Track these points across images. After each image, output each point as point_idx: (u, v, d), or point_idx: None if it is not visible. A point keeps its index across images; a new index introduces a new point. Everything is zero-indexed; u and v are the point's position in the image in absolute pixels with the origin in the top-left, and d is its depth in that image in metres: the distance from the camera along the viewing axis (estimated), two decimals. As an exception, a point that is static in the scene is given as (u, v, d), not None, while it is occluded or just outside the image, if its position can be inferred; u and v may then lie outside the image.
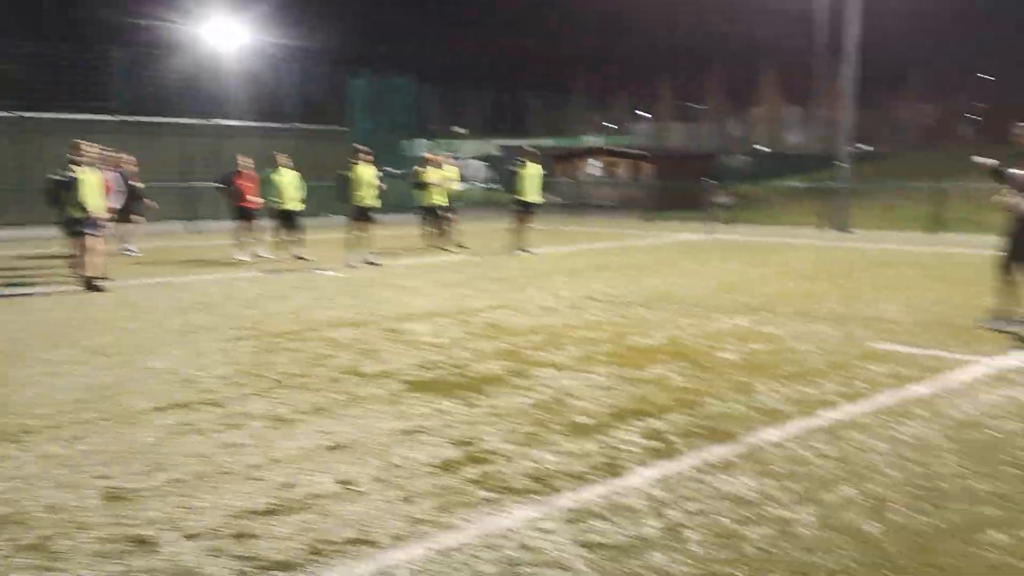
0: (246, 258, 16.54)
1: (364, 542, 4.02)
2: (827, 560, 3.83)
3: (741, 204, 29.83)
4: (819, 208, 25.90)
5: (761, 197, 33.82)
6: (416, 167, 19.87)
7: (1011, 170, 9.11)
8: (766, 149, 56.53)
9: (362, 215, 15.68)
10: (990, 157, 9.58)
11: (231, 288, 12.74)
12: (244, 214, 16.82)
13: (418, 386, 6.87)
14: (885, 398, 6.48)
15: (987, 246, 19.08)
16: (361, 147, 16.13)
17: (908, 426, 5.78)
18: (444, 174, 18.98)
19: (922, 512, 4.35)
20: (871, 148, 42.66)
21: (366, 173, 15.63)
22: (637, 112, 75.59)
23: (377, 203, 15.93)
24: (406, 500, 4.52)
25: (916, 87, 72.35)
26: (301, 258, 16.38)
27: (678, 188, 30.42)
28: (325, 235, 20.47)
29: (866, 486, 4.71)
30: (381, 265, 15.57)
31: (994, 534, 4.08)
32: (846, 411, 6.15)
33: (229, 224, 17.92)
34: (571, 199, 34.03)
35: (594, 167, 39.09)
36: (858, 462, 5.09)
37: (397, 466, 5.03)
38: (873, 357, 7.83)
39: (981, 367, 7.42)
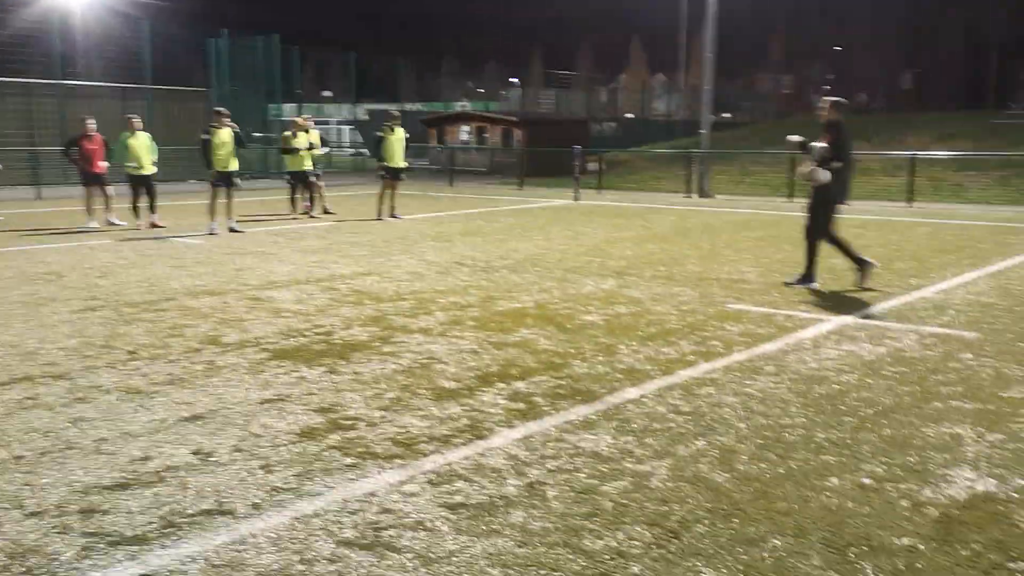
0: (97, 225, 15.76)
1: (221, 512, 3.93)
2: (679, 510, 3.99)
3: (609, 170, 30.37)
4: (684, 174, 26.65)
5: (629, 163, 34.53)
6: (285, 132, 19.28)
7: (813, 143, 9.62)
8: (632, 116, 57.67)
9: (224, 180, 15.14)
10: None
11: (81, 257, 12.14)
12: (92, 179, 15.99)
13: (281, 354, 6.74)
14: (738, 356, 6.76)
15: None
16: (221, 109, 15.56)
17: (757, 381, 6.06)
18: (311, 139, 18.55)
19: (767, 461, 4.58)
20: (730, 116, 44.13)
21: (227, 136, 15.07)
22: (509, 80, 75.69)
23: (236, 167, 15.37)
24: (266, 469, 4.44)
25: (774, 59, 75.13)
26: (156, 225, 15.74)
27: (548, 154, 30.71)
28: (184, 201, 19.73)
29: (717, 439, 4.92)
30: (244, 232, 15.13)
31: (831, 480, 4.34)
32: (701, 369, 6.39)
33: (78, 190, 17.02)
34: (442, 165, 33.88)
35: (465, 133, 38.98)
36: (710, 416, 5.31)
37: (257, 435, 4.94)
38: (728, 317, 8.16)
39: (826, 325, 7.84)
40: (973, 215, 18.85)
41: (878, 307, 8.61)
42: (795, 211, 20.23)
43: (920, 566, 3.46)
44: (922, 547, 3.62)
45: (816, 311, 8.43)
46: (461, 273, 10.74)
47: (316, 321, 7.94)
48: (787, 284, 9.86)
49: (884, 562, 3.49)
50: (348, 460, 4.57)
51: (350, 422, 5.17)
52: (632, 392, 5.81)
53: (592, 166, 28.19)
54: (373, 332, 7.51)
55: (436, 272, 10.83)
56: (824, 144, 9.51)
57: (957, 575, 3.38)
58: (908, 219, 17.93)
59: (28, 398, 5.59)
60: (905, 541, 3.67)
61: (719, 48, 25.72)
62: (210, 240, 14.13)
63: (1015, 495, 4.13)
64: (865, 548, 3.61)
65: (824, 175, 9.44)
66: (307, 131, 18.46)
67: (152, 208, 15.95)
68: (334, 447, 4.76)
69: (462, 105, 54.18)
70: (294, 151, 18.12)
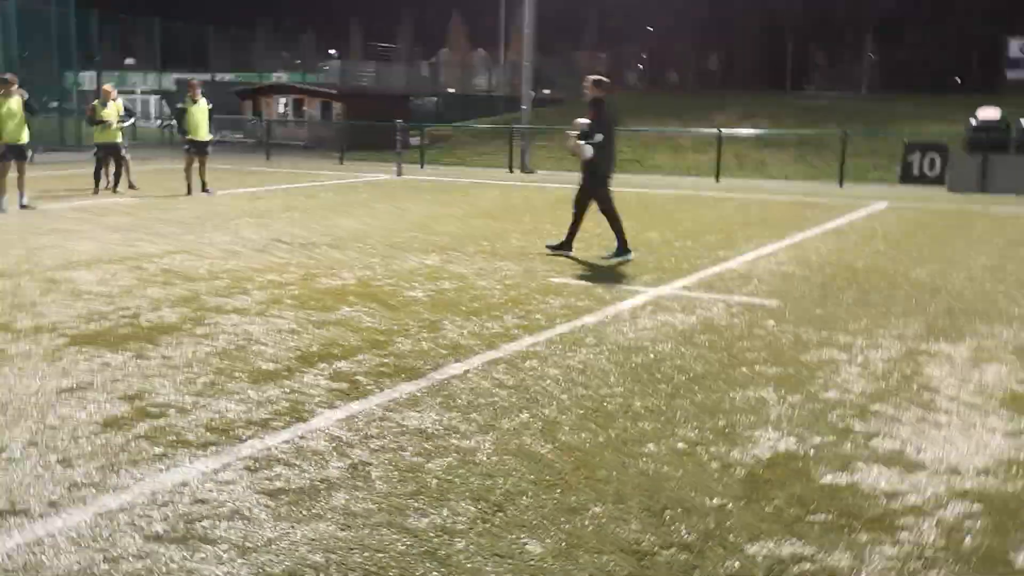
0: None
1: (14, 513, 3.62)
2: (504, 483, 4.01)
3: (431, 145, 30.24)
4: (506, 149, 26.89)
5: (451, 139, 34.50)
6: (95, 102, 17.88)
7: (577, 119, 10.18)
8: (454, 91, 57.66)
9: (15, 152, 13.93)
10: (653, 103, 10.40)
11: None
12: None
13: (82, 340, 6.29)
14: (560, 328, 6.89)
15: (652, 185, 20.93)
16: (7, 76, 14.29)
17: (579, 353, 6.20)
18: (118, 109, 17.39)
19: (588, 431, 4.69)
20: (549, 92, 44.91)
21: (15, 105, 13.85)
22: (328, 51, 73.82)
23: (27, 138, 14.16)
24: (64, 463, 4.13)
25: (592, 37, 77.00)
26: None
27: (369, 128, 30.20)
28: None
29: (540, 411, 4.99)
30: (36, 208, 14.04)
31: (648, 446, 4.49)
32: (525, 342, 6.47)
33: None
34: (258, 138, 32.68)
35: (282, 105, 37.72)
36: (533, 389, 5.38)
37: (55, 428, 4.58)
38: (547, 291, 8.30)
39: (642, 296, 8.11)
40: (774, 190, 20.05)
41: (690, 279, 9.00)
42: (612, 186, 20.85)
43: (729, 524, 3.63)
44: (731, 506, 3.80)
45: (633, 284, 8.71)
46: (279, 250, 10.39)
47: (121, 303, 7.47)
48: (605, 259, 10.15)
49: (697, 522, 3.64)
50: (157, 450, 4.32)
51: (159, 409, 4.89)
52: (457, 368, 5.80)
53: (413, 141, 27.98)
54: (184, 313, 7.14)
55: (252, 250, 10.43)
56: (587, 120, 10.07)
57: (762, 531, 3.57)
58: (717, 194, 18.85)
59: None
60: (716, 501, 3.85)
61: (538, 25, 26.05)
62: (1, 218, 13.03)
63: (812, 452, 4.42)
64: (680, 510, 3.75)
65: (587, 150, 10.00)
66: (115, 100, 17.31)
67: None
68: (142, 437, 4.49)
69: (278, 76, 52.38)
70: (103, 123, 16.93)
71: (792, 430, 4.72)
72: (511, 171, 25.07)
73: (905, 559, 3.35)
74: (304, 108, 36.88)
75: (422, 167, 25.77)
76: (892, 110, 30.42)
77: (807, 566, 3.29)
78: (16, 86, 13.95)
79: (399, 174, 22.95)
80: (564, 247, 10.39)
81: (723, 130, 24.60)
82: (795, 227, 13.14)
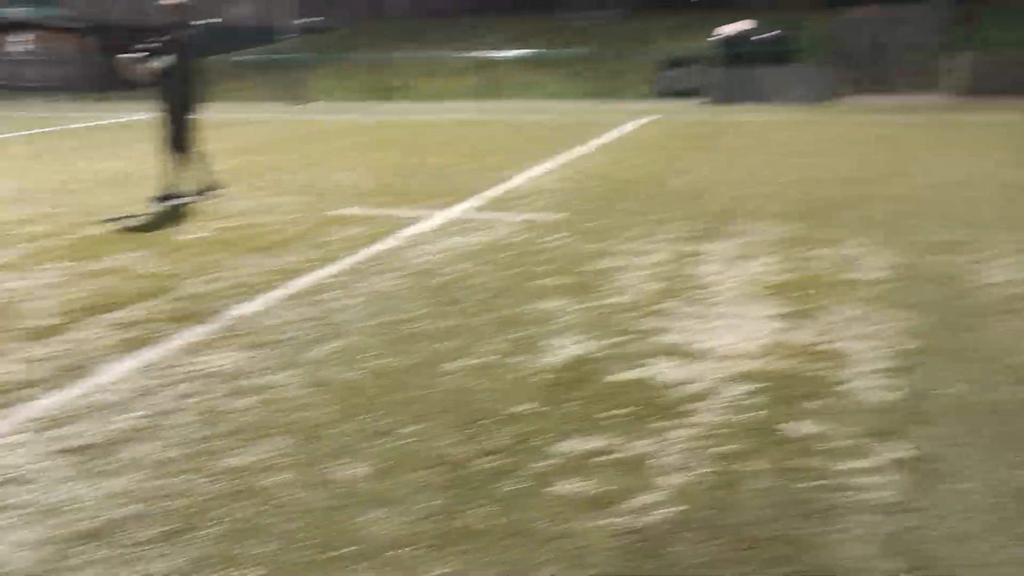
0: None
1: None
2: (315, 414, 4.02)
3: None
4: (274, 82, 25.86)
5: (217, 71, 32.69)
6: None
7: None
8: (217, 21, 54.39)
9: None
10: (421, 28, 10.31)
11: None
12: None
13: None
14: (353, 258, 6.86)
15: (424, 112, 20.90)
16: None
17: (375, 280, 6.21)
18: None
19: (394, 355, 4.75)
20: (321, 19, 43.32)
21: None
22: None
23: None
24: None
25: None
26: None
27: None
28: None
29: (343, 340, 4.99)
30: None
31: (452, 364, 4.62)
32: (318, 275, 6.40)
33: None
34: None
35: (22, 43, 34.21)
36: (334, 320, 5.36)
37: None
38: (337, 222, 8.21)
39: (432, 220, 8.19)
40: (547, 110, 20.58)
41: (476, 199, 9.16)
42: (384, 115, 20.67)
43: (535, 428, 3.83)
44: (535, 411, 4.01)
45: (421, 208, 8.76)
46: (37, 200, 9.59)
47: None
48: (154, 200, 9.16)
49: (505, 430, 3.82)
50: (-71, 422, 3.98)
51: (-76, 379, 4.49)
52: (252, 306, 5.67)
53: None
54: (-64, 275, 6.51)
55: (8, 203, 9.57)
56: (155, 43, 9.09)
57: (567, 430, 3.80)
58: (493, 117, 19.11)
59: None
60: (520, 408, 4.04)
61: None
62: None
63: (604, 353, 4.71)
64: (488, 421, 3.92)
65: (155, 67, 9.06)
66: None
67: None
68: (-92, 410, 4.11)
69: (16, 11, 47.32)
70: None
71: (584, 335, 5.00)
72: (286, 104, 24.21)
73: (697, 439, 3.69)
74: (50, 45, 33.67)
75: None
76: (644, 29, 31.79)
77: (613, 455, 3.56)
78: None
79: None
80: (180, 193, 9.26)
81: (489, 53, 24.87)
82: (569, 144, 13.60)
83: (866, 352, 4.60)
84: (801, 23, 23.63)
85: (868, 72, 21.63)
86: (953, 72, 20.63)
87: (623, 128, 15.90)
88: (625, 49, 26.59)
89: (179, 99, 9.28)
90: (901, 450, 3.52)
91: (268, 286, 6.11)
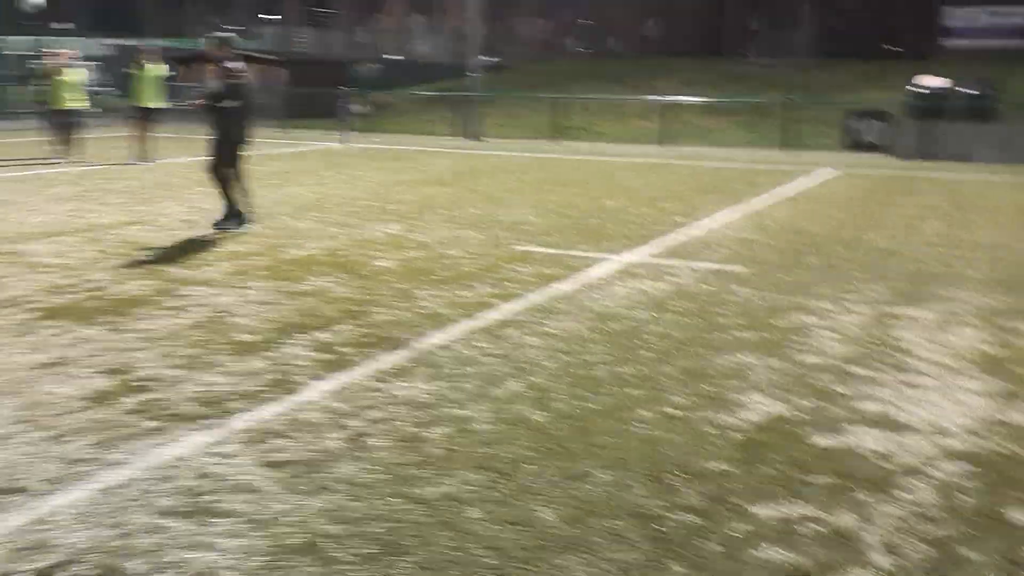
0: None
1: (12, 491, 3.54)
2: (505, 451, 4.04)
3: (375, 112, 29.86)
4: (451, 117, 26.69)
5: (394, 106, 34.11)
6: (46, 64, 17.03)
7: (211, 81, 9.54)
8: (396, 57, 56.84)
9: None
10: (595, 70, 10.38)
11: None
12: None
13: (51, 313, 6.12)
14: (534, 296, 6.92)
15: (600, 152, 21.02)
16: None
17: (557, 321, 6.23)
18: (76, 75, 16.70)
19: (580, 398, 4.73)
20: (495, 59, 44.58)
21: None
22: (261, 15, 72.04)
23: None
24: (57, 440, 4.04)
25: (531, 3, 76.47)
26: None
27: (312, 95, 29.69)
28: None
29: (529, 379, 5.02)
30: (-21, 178, 13.56)
31: (641, 411, 4.55)
32: (502, 310, 6.48)
33: None
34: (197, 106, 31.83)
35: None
36: (519, 358, 5.40)
37: (41, 404, 4.47)
38: (518, 259, 8.31)
39: (611, 263, 8.18)
40: (721, 156, 20.28)
41: (654, 245, 9.08)
42: (560, 153, 20.89)
43: (732, 487, 3.71)
44: (731, 470, 3.88)
45: (599, 251, 8.77)
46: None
47: (84, 276, 7.28)
48: (216, 226, 9.41)
49: (700, 486, 3.71)
50: (151, 424, 4.25)
51: (145, 383, 4.81)
52: (438, 337, 5.80)
53: (357, 108, 27.57)
54: (151, 285, 6.99)
55: (210, 220, 10.22)
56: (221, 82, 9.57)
57: (765, 493, 3.66)
58: (664, 161, 19.00)
59: None
60: (715, 465, 3.93)
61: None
62: (-62, 188, 12.55)
63: (801, 415, 4.53)
64: (682, 475, 3.82)
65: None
66: (68, 66, 16.61)
67: None
68: (132, 411, 4.41)
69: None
70: (57, 87, 16.15)
71: (778, 394, 4.82)
72: (459, 139, 24.91)
73: (909, 517, 3.47)
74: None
75: (367, 134, 25.45)
76: (830, 77, 30.88)
77: (814, 526, 3.39)
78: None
79: (344, 141, 22.66)
80: (231, 220, 9.50)
81: (668, 97, 24.79)
82: (749, 193, 13.33)
83: (1095, 439, 4.23)
84: (1005, 81, 22.36)
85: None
86: None
87: (808, 179, 15.45)
88: (810, 97, 25.94)
89: (234, 131, 9.53)
90: None
91: (453, 319, 6.23)
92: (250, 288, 6.97)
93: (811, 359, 5.43)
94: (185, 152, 18.92)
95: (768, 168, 17.55)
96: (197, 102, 9.83)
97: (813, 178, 15.75)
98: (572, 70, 35.14)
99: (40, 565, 3.03)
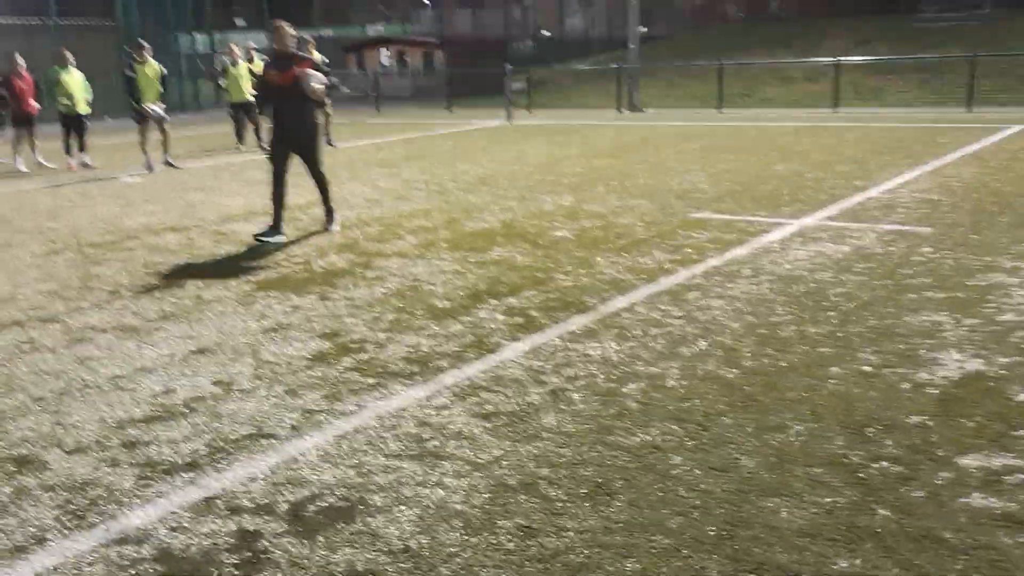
0: (25, 168, 15.13)
1: (263, 436, 4.01)
2: (700, 405, 4.21)
3: (535, 89, 30.21)
4: (610, 89, 26.67)
5: (553, 82, 34.38)
6: (225, 59, 18.23)
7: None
8: (549, 34, 57.07)
9: (150, 114, 14.48)
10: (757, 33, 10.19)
11: (22, 200, 11.73)
12: (23, 119, 15.22)
13: (266, 285, 6.73)
14: (713, 261, 7.00)
15: (766, 118, 20.54)
16: (144, 43, 14.86)
17: (738, 284, 6.31)
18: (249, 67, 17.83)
19: (767, 356, 4.83)
20: (646, 29, 44.00)
21: (151, 71, 14.38)
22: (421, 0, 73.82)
23: (160, 103, 14.56)
24: (292, 393, 4.52)
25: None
26: (87, 165, 15.19)
27: (472, 75, 30.39)
28: (107, 139, 19.05)
29: (716, 338, 5.15)
30: (181, 168, 14.73)
31: (832, 368, 4.61)
32: (681, 275, 6.61)
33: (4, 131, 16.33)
34: (364, 91, 33.22)
35: (386, 57, 38.17)
36: (703, 319, 5.54)
37: (271, 362, 4.99)
38: (693, 225, 8.39)
39: (787, 228, 8.13)
40: (898, 117, 19.42)
41: (831, 209, 8.94)
42: (722, 121, 20.56)
43: (933, 439, 3.75)
44: (930, 423, 3.91)
45: (775, 216, 8.71)
46: (418, 196, 10.74)
47: (289, 251, 7.91)
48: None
49: (900, 438, 3.77)
50: (370, 380, 4.67)
51: (358, 345, 5.25)
52: (622, 301, 6.00)
53: (518, 85, 28.00)
54: (350, 259, 7.53)
55: (392, 197, 10.80)
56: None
57: (968, 445, 3.68)
58: (836, 124, 18.39)
59: (24, 342, 5.52)
60: (914, 419, 3.96)
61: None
62: (149, 177, 13.75)
63: (1002, 372, 4.47)
64: (880, 427, 3.89)
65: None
66: (249, 60, 17.74)
67: (82, 147, 15.36)
68: (351, 369, 4.85)
69: (376, 29, 52.82)
70: (237, 80, 17.29)
71: (976, 352, 4.76)
72: (620, 111, 24.91)
73: (1122, 467, 3.42)
74: (406, 58, 37.25)
75: (529, 111, 25.84)
76: (1013, 29, 28.86)
77: (1021, 476, 3.40)
78: (149, 52, 14.48)
79: (509, 119, 23.10)
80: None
81: (840, 58, 23.88)
82: (929, 154, 12.79)
83: None
84: None
85: None
86: None
87: (992, 137, 14.64)
88: (987, 52, 24.38)
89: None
90: None
91: (635, 283, 6.42)
92: (438, 259, 7.38)
93: (1008, 317, 5.30)
94: (360, 136, 19.87)
95: (951, 127, 16.72)
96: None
97: (1000, 136, 14.90)
98: (731, 36, 34.30)
99: (296, 497, 3.46)
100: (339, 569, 2.97)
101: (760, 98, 25.64)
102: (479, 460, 3.72)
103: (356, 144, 18.00)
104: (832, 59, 24.20)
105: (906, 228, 7.87)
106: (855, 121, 18.89)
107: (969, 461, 3.54)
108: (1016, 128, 15.91)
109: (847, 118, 19.73)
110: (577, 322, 5.57)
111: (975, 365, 4.57)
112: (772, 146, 14.80)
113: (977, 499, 3.24)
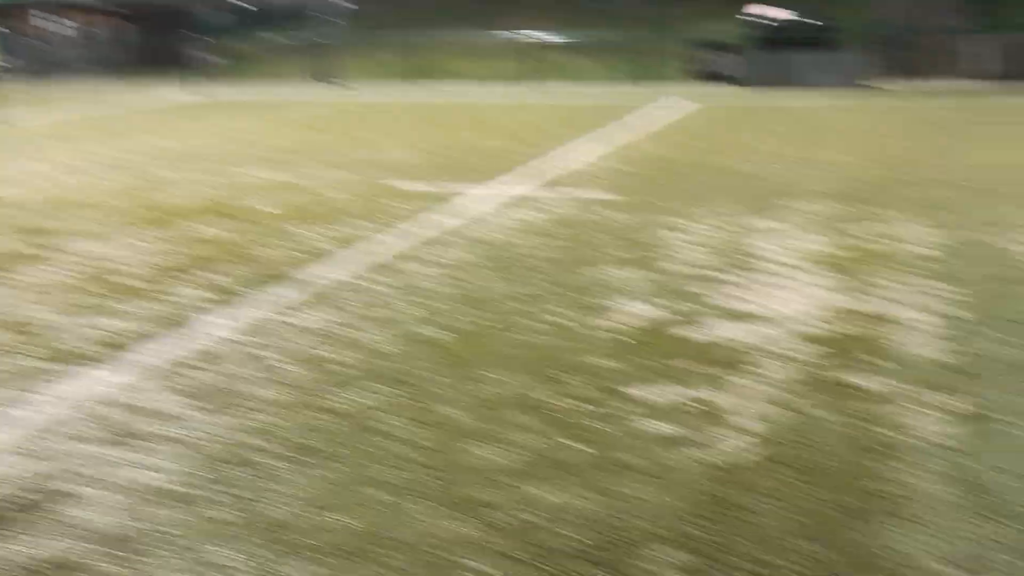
0: None
1: (-65, 436, 3.63)
2: (415, 367, 4.34)
3: (229, 61, 29.01)
4: (309, 62, 26.23)
5: (248, 53, 33.14)
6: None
7: None
8: (245, 4, 54.77)
9: None
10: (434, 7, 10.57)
11: None
12: None
13: None
14: (419, 230, 7.19)
15: (463, 93, 21.20)
16: None
17: (445, 250, 6.54)
18: None
19: (471, 317, 5.08)
20: (349, 2, 43.58)
21: None
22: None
23: None
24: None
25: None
26: None
27: (159, 45, 28.58)
28: None
29: (429, 304, 5.32)
30: None
31: (531, 323, 4.94)
32: (389, 244, 6.74)
33: None
34: (33, 61, 30.10)
35: (56, 23, 34.78)
36: (410, 285, 5.69)
37: (-60, 356, 4.49)
38: (399, 196, 8.55)
39: (491, 197, 8.51)
40: (581, 93, 20.82)
41: (531, 179, 9.47)
42: (424, 95, 20.96)
43: (617, 378, 4.15)
44: (616, 364, 4.32)
45: (475, 186, 9.08)
46: (108, 173, 10.01)
47: (-46, 235, 7.11)
48: None
49: (590, 380, 4.14)
50: (58, 367, 4.35)
51: (41, 330, 4.86)
52: (330, 272, 6.01)
53: (208, 57, 26.74)
54: (28, 240, 6.90)
55: (79, 174, 9.98)
56: None
57: (647, 379, 4.12)
58: (534, 99, 19.38)
59: None
60: (601, 362, 4.36)
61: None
62: None
63: (675, 316, 5.01)
64: (574, 372, 4.24)
65: None
66: None
67: None
68: (38, 357, 4.48)
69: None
70: None
71: (653, 300, 5.30)
72: (322, 84, 24.57)
73: (772, 390, 3.99)
74: (86, 25, 34.20)
75: (221, 84, 24.77)
76: (670, 11, 31.69)
77: (690, 404, 3.87)
78: None
79: (200, 92, 22.02)
80: None
81: (527, 35, 25.08)
82: (611, 127, 13.88)
83: (920, 319, 4.88)
84: (835, 9, 23.64)
85: (900, 57, 21.73)
86: (980, 56, 20.74)
87: (666, 112, 16.15)
88: (660, 31, 26.69)
89: None
90: (959, 402, 3.80)
91: (341, 255, 6.45)
92: (130, 237, 6.97)
93: (680, 268, 5.95)
94: (32, 108, 18.02)
95: (632, 103, 18.18)
96: None
97: (672, 110, 16.48)
98: (422, 10, 34.81)
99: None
100: (45, 565, 2.78)
101: (454, 72, 26.36)
102: (189, 438, 3.61)
103: (39, 121, 16.35)
104: (523, 34, 25.37)
105: (596, 195, 8.53)
106: (547, 96, 20.02)
107: (647, 394, 3.96)
108: (686, 103, 17.65)
109: (540, 93, 20.86)
110: (283, 295, 5.51)
111: (653, 312, 5.09)
112: (475, 119, 15.34)
113: (654, 425, 3.65)
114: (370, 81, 25.53)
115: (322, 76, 24.90)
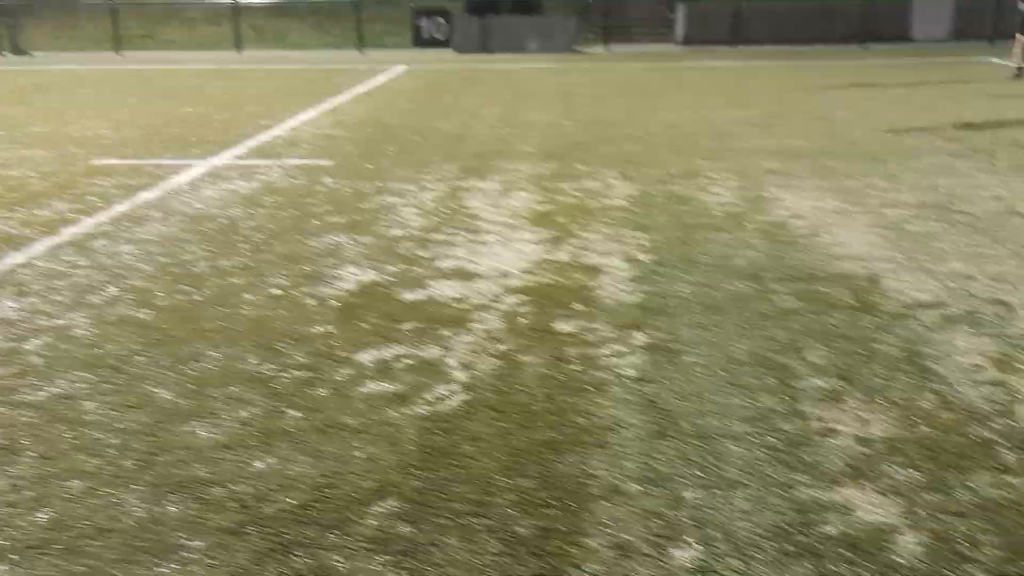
0: None
1: None
2: (112, 349, 4.11)
3: None
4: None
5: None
6: None
7: None
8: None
9: None
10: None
11: None
12: None
13: None
14: (120, 207, 6.75)
15: (171, 61, 19.98)
16: None
17: (148, 227, 6.20)
18: None
19: (184, 293, 4.87)
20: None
21: None
22: None
23: None
24: None
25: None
26: None
27: None
28: None
29: (126, 283, 5.03)
30: None
31: (245, 296, 4.82)
32: (86, 224, 6.28)
33: None
34: None
35: None
36: (112, 265, 5.35)
37: None
38: (96, 173, 7.96)
39: (196, 169, 8.13)
40: (299, 60, 20.30)
41: (240, 148, 9.14)
42: (128, 64, 19.57)
43: (335, 344, 4.16)
44: (333, 330, 4.33)
45: (183, 158, 8.64)
46: None
47: None
48: None
49: (306, 347, 4.12)
50: None
51: None
52: (18, 257, 5.53)
53: None
54: None
55: None
56: None
57: (364, 343, 4.16)
58: (241, 67, 18.63)
59: None
60: (319, 329, 4.35)
61: None
62: None
63: (390, 279, 5.09)
64: (290, 341, 4.20)
65: None
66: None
67: None
68: None
69: None
70: None
71: (369, 264, 5.34)
72: (2, 54, 22.18)
73: (481, 341, 4.17)
74: None
75: None
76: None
77: (407, 361, 3.97)
78: None
79: None
80: None
81: (239, 0, 24.05)
82: (327, 93, 13.68)
83: (613, 265, 5.29)
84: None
85: (611, 21, 23.10)
86: (676, 22, 22.57)
87: (382, 76, 16.12)
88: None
89: None
90: (645, 337, 4.18)
91: (31, 238, 5.94)
92: None
93: (395, 232, 6.03)
94: None
95: (345, 68, 17.99)
96: None
97: (386, 75, 16.48)
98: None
99: None
100: None
101: (162, 40, 24.82)
102: None
103: None
104: (231, 1, 24.30)
105: (308, 162, 8.40)
106: (259, 63, 19.34)
107: (365, 356, 4.01)
108: (398, 67, 17.71)
109: (251, 60, 20.10)
110: (-35, 285, 5.00)
111: (370, 276, 5.13)
112: (178, 89, 14.53)
113: (372, 386, 3.71)
114: (65, 51, 23.39)
115: (7, 46, 22.45)
